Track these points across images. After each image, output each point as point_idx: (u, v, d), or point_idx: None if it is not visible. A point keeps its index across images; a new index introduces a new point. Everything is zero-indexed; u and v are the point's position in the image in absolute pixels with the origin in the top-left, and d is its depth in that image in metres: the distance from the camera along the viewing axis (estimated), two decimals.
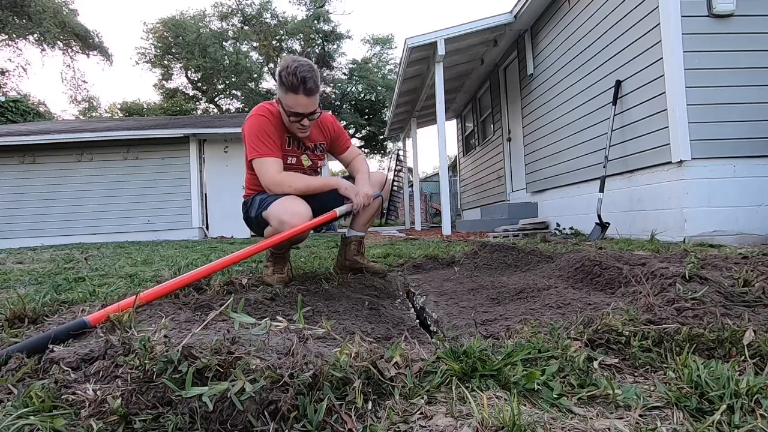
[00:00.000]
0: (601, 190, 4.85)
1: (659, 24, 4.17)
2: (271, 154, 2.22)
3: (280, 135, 2.28)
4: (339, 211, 2.29)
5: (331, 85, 28.39)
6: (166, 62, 27.85)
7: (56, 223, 9.89)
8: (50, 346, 1.11)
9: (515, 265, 2.76)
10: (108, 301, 1.85)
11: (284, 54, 29.09)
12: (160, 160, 10.37)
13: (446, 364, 0.96)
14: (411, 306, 2.03)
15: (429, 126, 12.57)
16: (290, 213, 2.09)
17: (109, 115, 29.01)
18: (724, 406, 0.79)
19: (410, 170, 13.06)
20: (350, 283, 2.32)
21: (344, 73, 28.44)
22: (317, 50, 28.23)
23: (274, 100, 2.30)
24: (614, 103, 4.87)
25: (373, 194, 2.39)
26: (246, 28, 27.71)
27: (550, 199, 6.87)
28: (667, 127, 4.13)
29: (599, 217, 4.78)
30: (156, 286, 1.67)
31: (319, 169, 2.58)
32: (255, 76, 27.89)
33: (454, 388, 0.89)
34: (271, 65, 29.30)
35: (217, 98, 29.59)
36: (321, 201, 2.28)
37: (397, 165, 13.00)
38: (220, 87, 28.79)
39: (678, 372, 0.95)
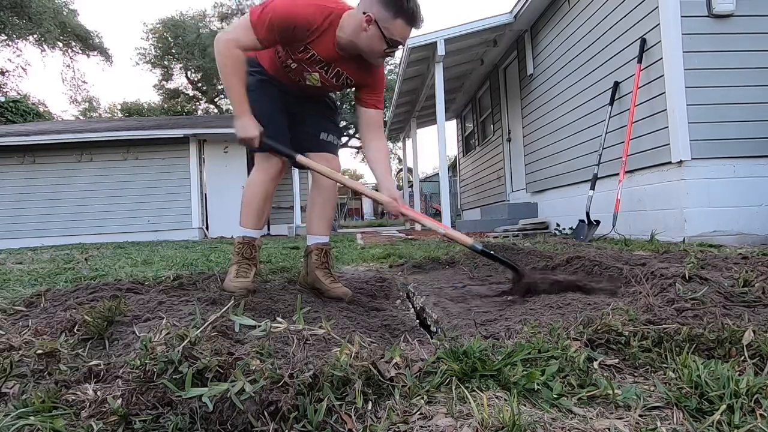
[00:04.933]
0: (593, 188, 4.89)
1: (659, 24, 4.17)
2: (262, 39, 1.81)
3: (303, 39, 1.85)
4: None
5: None
6: (166, 63, 27.85)
7: (56, 224, 9.88)
8: None
9: None
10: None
11: None
12: (160, 160, 10.37)
13: (446, 365, 0.96)
14: (411, 306, 2.03)
15: (429, 126, 12.56)
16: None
17: (109, 115, 29.02)
18: (724, 406, 0.79)
19: (410, 170, 13.06)
20: (350, 283, 2.32)
21: None
22: None
23: (356, 12, 1.82)
24: (611, 103, 4.87)
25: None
26: None
27: (550, 199, 6.87)
28: (667, 127, 4.13)
29: (587, 214, 4.80)
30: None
31: (326, 99, 2.21)
32: None
33: (454, 388, 0.89)
34: None
35: (217, 98, 29.59)
36: (301, 132, 2.13)
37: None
38: (220, 87, 28.76)
39: (678, 372, 0.95)
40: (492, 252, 1.95)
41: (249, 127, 1.89)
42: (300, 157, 2.00)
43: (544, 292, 1.76)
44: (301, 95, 2.13)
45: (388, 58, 1.94)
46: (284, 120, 2.10)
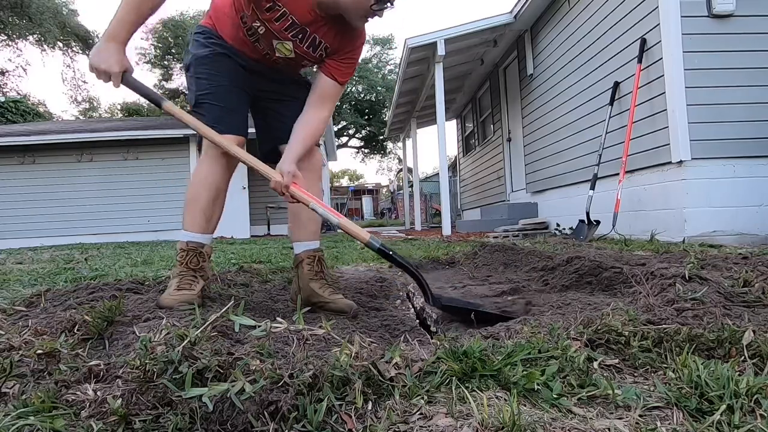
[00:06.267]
0: (593, 188, 4.90)
1: (659, 24, 4.17)
2: None
3: None
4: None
5: None
6: (166, 62, 27.86)
7: (56, 224, 9.89)
8: None
9: (515, 265, 2.76)
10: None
11: None
12: (160, 160, 10.38)
13: (446, 365, 0.96)
14: (411, 306, 2.03)
15: (429, 126, 12.57)
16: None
17: (109, 115, 29.02)
18: (724, 406, 0.79)
19: (410, 170, 13.07)
20: (350, 283, 2.32)
21: None
22: None
23: None
24: (611, 103, 4.87)
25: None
26: None
27: (550, 199, 6.87)
28: (667, 127, 4.13)
29: (587, 214, 4.80)
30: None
31: (299, 77, 1.90)
32: None
33: (454, 388, 0.89)
34: None
35: None
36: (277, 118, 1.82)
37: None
38: None
39: (678, 372, 0.95)
40: (391, 253, 1.60)
41: (111, 56, 1.49)
42: (168, 105, 1.61)
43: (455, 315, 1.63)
44: (271, 72, 1.81)
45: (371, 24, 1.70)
46: (243, 100, 1.78)
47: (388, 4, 1.55)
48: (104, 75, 1.50)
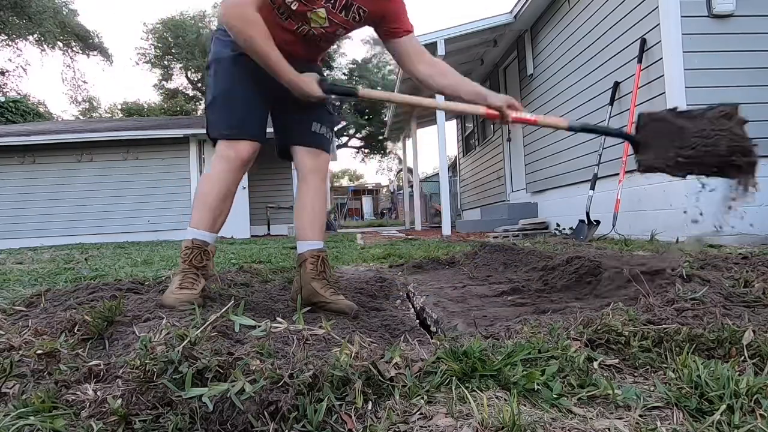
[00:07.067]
0: (593, 188, 4.90)
1: (659, 24, 4.17)
2: None
3: None
4: None
5: None
6: (166, 62, 27.86)
7: (56, 224, 9.89)
8: None
9: (515, 265, 2.76)
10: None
11: None
12: (160, 160, 10.37)
13: (446, 365, 0.96)
14: (411, 306, 2.03)
15: (429, 126, 12.57)
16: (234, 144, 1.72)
17: (109, 115, 29.02)
18: (723, 406, 0.79)
19: (410, 170, 13.07)
20: (350, 283, 2.32)
21: (344, 74, 28.40)
22: None
23: None
24: (611, 103, 4.87)
25: None
26: None
27: (550, 199, 6.87)
28: None
29: (587, 214, 4.80)
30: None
31: (333, 42, 1.92)
32: None
33: (454, 388, 0.89)
34: None
35: None
36: (292, 119, 1.85)
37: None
38: None
39: (678, 372, 0.95)
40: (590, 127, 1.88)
41: (301, 81, 1.64)
42: (364, 91, 1.81)
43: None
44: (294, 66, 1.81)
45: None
46: (262, 103, 1.80)
47: None
48: (312, 95, 1.68)
